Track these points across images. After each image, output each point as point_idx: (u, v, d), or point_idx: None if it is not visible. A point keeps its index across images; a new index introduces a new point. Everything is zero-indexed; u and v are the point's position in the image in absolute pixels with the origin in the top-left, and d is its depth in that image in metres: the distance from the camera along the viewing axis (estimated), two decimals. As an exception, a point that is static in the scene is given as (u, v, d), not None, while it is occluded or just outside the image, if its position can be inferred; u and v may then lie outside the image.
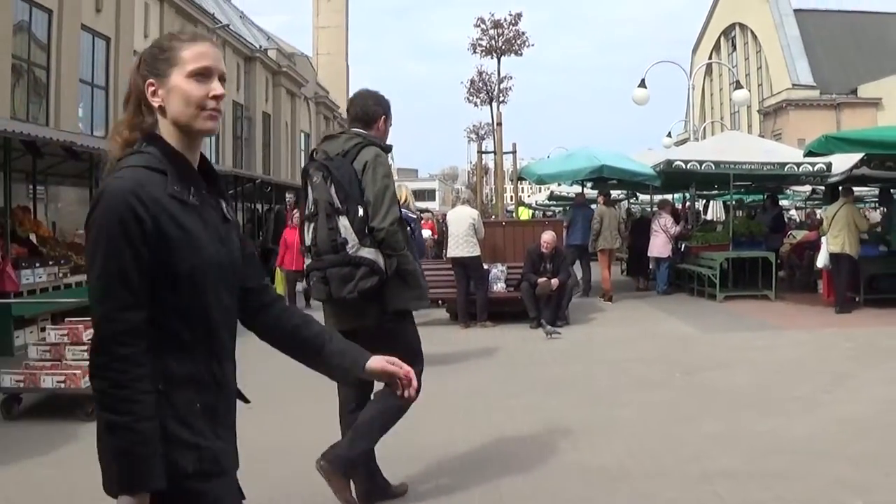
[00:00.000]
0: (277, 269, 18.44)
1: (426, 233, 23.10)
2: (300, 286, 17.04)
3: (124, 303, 2.28)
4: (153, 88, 2.49)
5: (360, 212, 5.22)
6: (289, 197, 23.23)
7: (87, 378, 8.13)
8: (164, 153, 2.45)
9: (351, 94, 5.81)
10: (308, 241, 5.49)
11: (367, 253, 5.21)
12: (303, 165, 5.42)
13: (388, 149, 5.64)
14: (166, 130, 2.50)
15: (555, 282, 13.92)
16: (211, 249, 2.46)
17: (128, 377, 2.25)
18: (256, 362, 11.59)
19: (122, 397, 2.24)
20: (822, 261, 15.92)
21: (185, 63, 2.47)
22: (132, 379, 2.25)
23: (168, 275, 2.36)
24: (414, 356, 5.21)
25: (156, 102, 2.49)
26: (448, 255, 14.77)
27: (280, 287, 17.70)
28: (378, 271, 5.22)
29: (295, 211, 17.76)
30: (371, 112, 5.62)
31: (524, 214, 31.82)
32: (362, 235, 5.21)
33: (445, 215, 17.60)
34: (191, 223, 2.41)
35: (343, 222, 5.22)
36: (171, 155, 2.46)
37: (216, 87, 2.50)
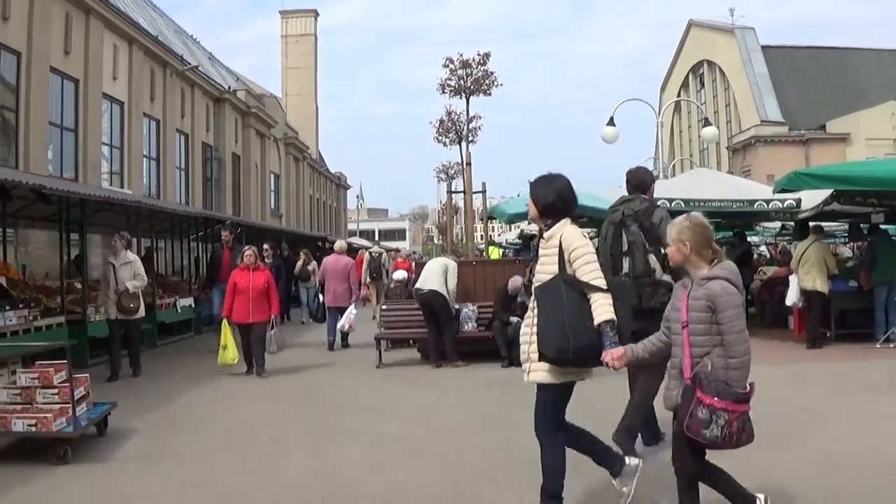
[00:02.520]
0: (225, 322, 14.10)
1: (402, 273, 23.10)
2: (274, 342, 14.07)
3: None
4: None
5: (662, 251, 7.14)
6: (224, 234, 19.32)
7: (58, 421, 8.03)
8: None
9: (630, 168, 8.43)
10: (626, 269, 7.70)
11: (666, 278, 7.42)
12: (612, 217, 8.13)
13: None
14: None
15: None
16: None
17: None
18: (233, 403, 11.48)
19: None
20: (791, 299, 15.97)
21: None
22: None
23: None
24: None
25: None
26: (414, 288, 15.17)
27: (231, 346, 13.84)
28: (671, 290, 6.50)
29: (248, 249, 14.74)
30: (647, 183, 8.25)
31: (494, 254, 31.77)
32: (663, 266, 7.47)
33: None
34: None
35: (651, 258, 7.60)
36: None
37: None
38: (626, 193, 8.23)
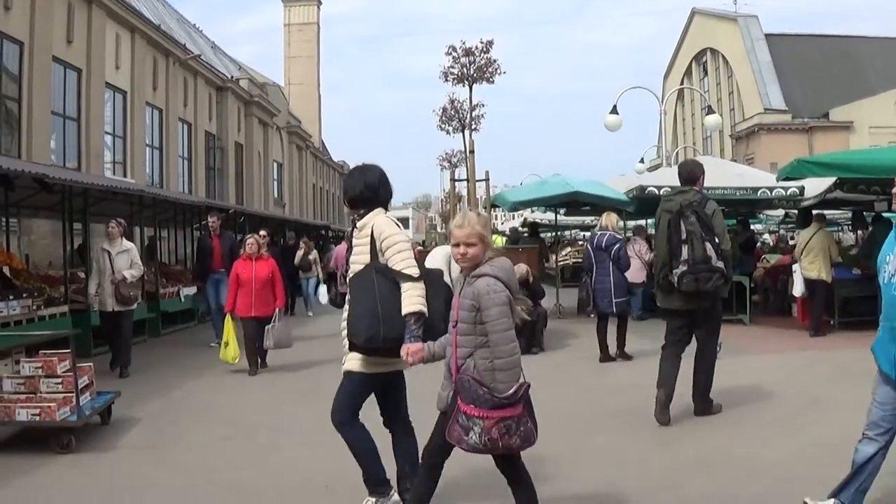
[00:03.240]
0: (228, 317, 13.15)
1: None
2: (270, 337, 12.87)
3: None
4: None
5: (716, 240, 8.49)
6: (211, 221, 17.45)
7: (61, 410, 8.03)
8: None
9: (681, 161, 9.92)
10: (685, 256, 8.44)
11: (720, 264, 8.44)
12: (669, 207, 8.91)
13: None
14: None
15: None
16: None
17: None
18: (236, 393, 11.48)
19: None
20: (797, 290, 15.93)
21: None
22: None
23: None
24: (719, 325, 9.11)
25: None
26: None
27: (232, 344, 12.91)
28: (724, 275, 8.50)
29: (250, 238, 13.79)
30: (696, 175, 8.99)
31: (498, 242, 31.70)
32: (717, 254, 8.43)
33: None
34: None
35: (708, 246, 8.42)
36: None
37: None
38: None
